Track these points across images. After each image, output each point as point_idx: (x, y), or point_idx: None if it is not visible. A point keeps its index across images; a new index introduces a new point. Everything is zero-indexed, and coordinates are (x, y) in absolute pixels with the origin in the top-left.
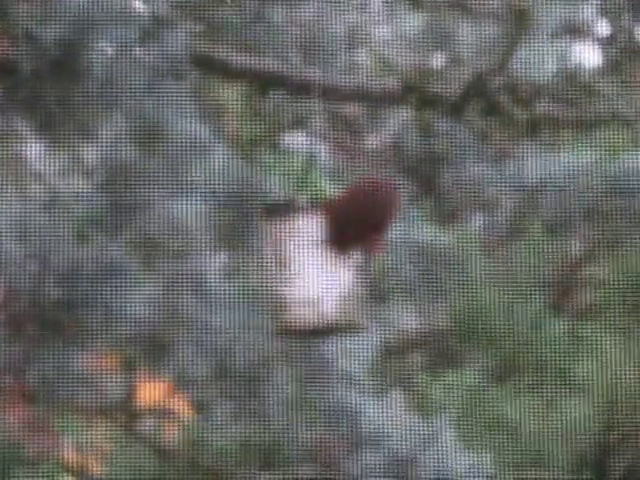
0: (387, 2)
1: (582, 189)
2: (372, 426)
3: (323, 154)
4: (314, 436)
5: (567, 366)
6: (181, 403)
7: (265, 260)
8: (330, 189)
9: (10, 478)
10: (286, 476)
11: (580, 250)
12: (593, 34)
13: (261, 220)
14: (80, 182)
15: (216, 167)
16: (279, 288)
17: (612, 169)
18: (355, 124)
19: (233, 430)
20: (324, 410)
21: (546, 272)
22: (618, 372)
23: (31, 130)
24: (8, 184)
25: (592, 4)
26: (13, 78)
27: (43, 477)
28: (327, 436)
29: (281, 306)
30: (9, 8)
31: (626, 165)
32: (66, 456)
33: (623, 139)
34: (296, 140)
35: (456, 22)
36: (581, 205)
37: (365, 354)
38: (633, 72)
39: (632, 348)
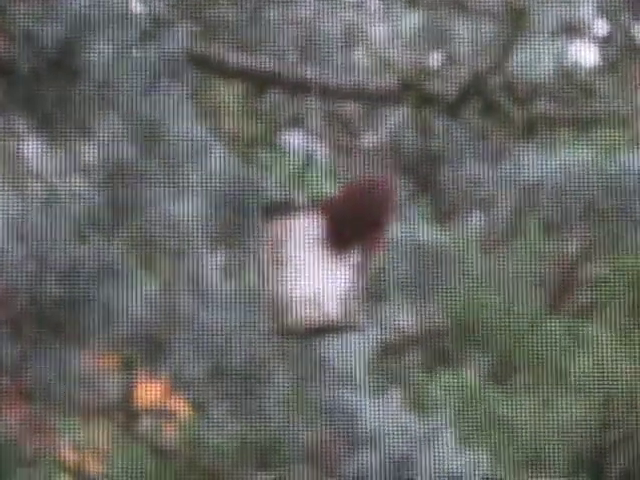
0: (384, 0)
1: (580, 188)
2: (370, 425)
3: (321, 153)
4: (312, 436)
5: (565, 365)
6: (179, 403)
7: (263, 259)
8: (328, 188)
9: (8, 478)
10: (284, 476)
11: (578, 249)
12: (591, 33)
13: (259, 219)
14: (78, 181)
15: (214, 167)
16: (277, 287)
17: (610, 168)
18: (353, 123)
19: (231, 430)
20: (322, 410)
21: (544, 271)
22: (616, 372)
23: (29, 129)
24: (6, 183)
25: (590, 3)
26: (11, 77)
27: (41, 477)
28: (325, 436)
29: (279, 305)
30: (7, 7)
31: (624, 164)
32: (64, 456)
33: (621, 138)
34: (294, 139)
35: (454, 21)
36: (579, 204)
37: (363, 353)
38: (631, 71)
39: (630, 347)
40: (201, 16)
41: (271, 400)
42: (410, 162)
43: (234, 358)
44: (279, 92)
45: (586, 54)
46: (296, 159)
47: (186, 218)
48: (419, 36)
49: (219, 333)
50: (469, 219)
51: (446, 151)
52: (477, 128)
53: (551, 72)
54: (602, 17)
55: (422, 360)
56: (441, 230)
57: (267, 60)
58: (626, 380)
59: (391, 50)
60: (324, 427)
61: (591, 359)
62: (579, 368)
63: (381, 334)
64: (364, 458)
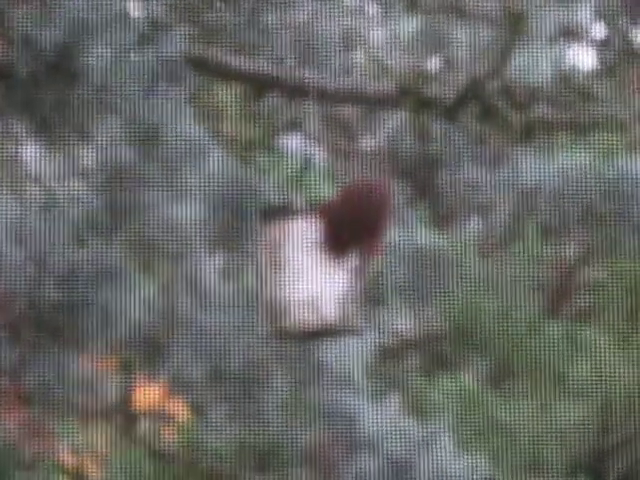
0: (383, 5)
1: (578, 192)
2: (368, 429)
3: (319, 156)
4: (311, 439)
5: (563, 370)
6: (178, 406)
7: (261, 262)
8: (326, 191)
9: None
10: (283, 479)
11: (576, 253)
12: (588, 37)
13: (257, 222)
14: (77, 185)
15: (212, 170)
16: (275, 290)
17: (608, 172)
18: (351, 127)
19: (230, 433)
20: (321, 413)
21: (542, 275)
22: (614, 376)
23: (28, 133)
24: (5, 187)
25: (587, 7)
26: (9, 81)
27: None
28: (324, 439)
29: (277, 309)
30: (6, 11)
31: (621, 168)
32: (63, 459)
33: (619, 142)
34: (292, 143)
35: (452, 25)
36: (577, 208)
37: (362, 357)
38: (628, 75)
39: (628, 352)
40: (199, 19)
41: (270, 403)
42: (408, 166)
43: (233, 361)
44: (277, 95)
45: (584, 58)
46: (294, 162)
47: (184, 221)
48: (417, 40)
49: (217, 336)
50: (467, 223)
51: (444, 155)
52: (475, 132)
53: (549, 76)
54: (600, 21)
55: (420, 364)
56: (439, 234)
57: (265, 63)
58: (624, 384)
59: (389, 54)
60: (323, 431)
61: (589, 363)
62: (577, 372)
63: (379, 338)
64: (363, 462)
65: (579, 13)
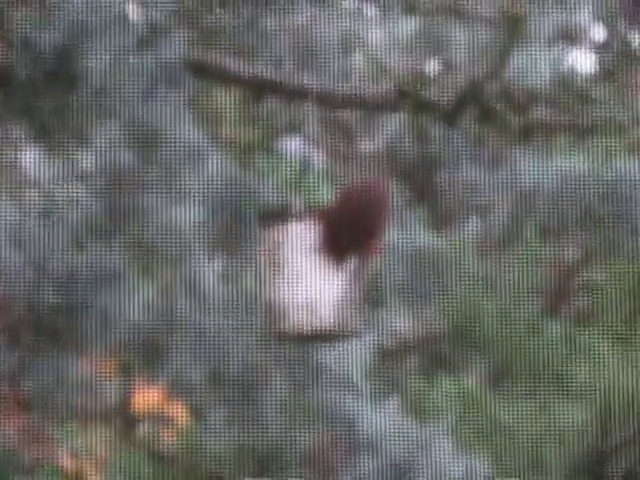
0: (381, 8)
1: (576, 194)
2: (368, 431)
3: (318, 159)
4: (311, 442)
5: (563, 371)
6: (178, 409)
7: (260, 265)
8: (325, 194)
9: None
10: None
11: (575, 255)
12: (587, 40)
13: (256, 225)
14: (76, 189)
15: (211, 173)
16: (274, 293)
17: (606, 174)
18: (350, 129)
19: (230, 436)
20: (320, 416)
21: (541, 277)
22: (614, 378)
23: (27, 137)
24: (4, 191)
25: (586, 10)
26: (8, 85)
27: None
28: (324, 441)
29: (276, 311)
30: (5, 14)
31: (620, 171)
32: (62, 463)
33: (617, 145)
34: (291, 145)
35: (450, 28)
36: (576, 210)
37: (361, 359)
38: (627, 78)
39: (628, 354)
40: (198, 23)
41: (269, 406)
42: (407, 168)
43: (232, 364)
44: (276, 98)
45: (583, 61)
46: (293, 165)
47: (184, 224)
48: (416, 43)
49: (216, 339)
50: (466, 225)
51: (443, 157)
52: (474, 135)
53: (548, 79)
54: (599, 24)
55: (420, 365)
56: (438, 236)
57: (264, 67)
58: (624, 386)
59: (388, 57)
60: (323, 433)
61: (589, 365)
62: (577, 374)
63: (379, 339)
64: (363, 464)
65: (578, 15)
